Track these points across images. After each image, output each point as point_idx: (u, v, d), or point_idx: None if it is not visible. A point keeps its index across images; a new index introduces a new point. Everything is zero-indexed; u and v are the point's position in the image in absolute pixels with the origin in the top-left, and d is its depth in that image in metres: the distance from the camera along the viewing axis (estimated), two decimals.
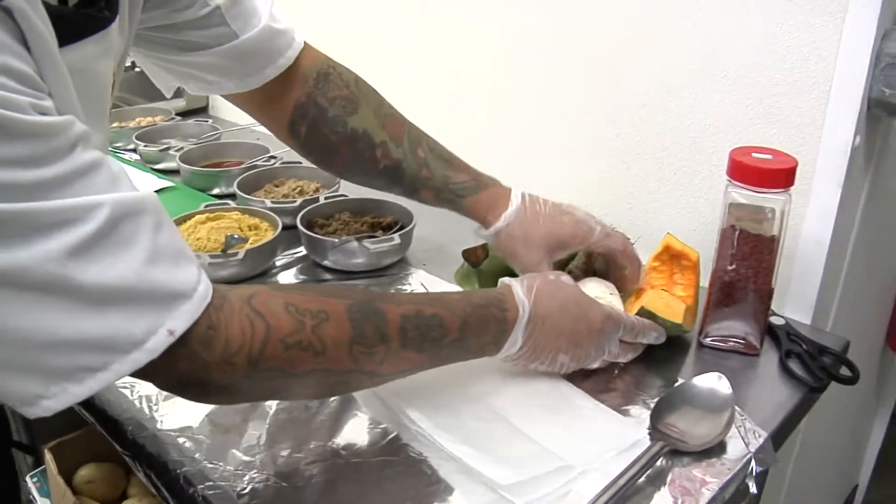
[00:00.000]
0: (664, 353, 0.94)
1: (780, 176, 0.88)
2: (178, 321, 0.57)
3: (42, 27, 0.54)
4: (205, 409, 0.83)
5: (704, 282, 1.00)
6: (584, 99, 1.19)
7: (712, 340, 0.96)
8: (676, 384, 0.87)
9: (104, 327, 0.53)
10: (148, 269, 0.55)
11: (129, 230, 0.55)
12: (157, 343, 0.56)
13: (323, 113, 0.94)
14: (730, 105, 1.04)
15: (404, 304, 0.72)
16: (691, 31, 1.05)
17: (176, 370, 0.59)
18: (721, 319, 0.95)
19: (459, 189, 0.96)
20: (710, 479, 0.75)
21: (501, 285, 0.84)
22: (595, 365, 0.88)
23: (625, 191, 1.18)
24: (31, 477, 1.49)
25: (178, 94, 1.89)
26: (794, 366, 0.93)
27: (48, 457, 1.36)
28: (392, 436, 0.79)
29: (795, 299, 1.05)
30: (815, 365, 0.92)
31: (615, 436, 0.80)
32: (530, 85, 1.26)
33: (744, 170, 0.89)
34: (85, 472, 1.38)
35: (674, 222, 1.12)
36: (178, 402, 0.83)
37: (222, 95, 0.96)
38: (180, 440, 0.79)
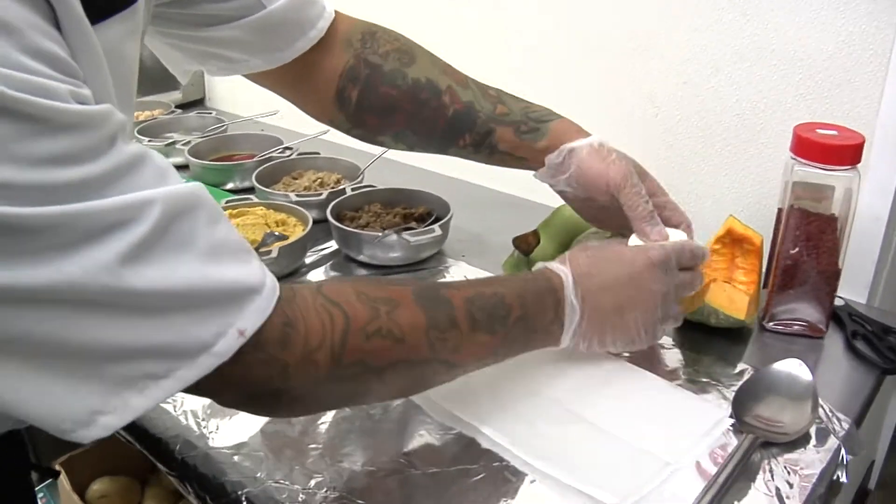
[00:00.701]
0: (726, 340, 0.91)
1: (848, 152, 0.85)
2: (249, 320, 0.52)
3: (75, 3, 0.48)
4: (258, 422, 0.78)
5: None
6: (621, 76, 1.15)
7: (776, 324, 0.93)
8: (754, 372, 0.84)
9: (168, 333, 0.49)
10: (210, 266, 0.50)
11: (186, 227, 0.49)
12: (228, 345, 0.51)
13: (377, 70, 0.88)
14: (779, 80, 1.01)
15: (463, 287, 0.69)
16: (739, 3, 1.01)
17: (250, 379, 0.55)
18: (785, 302, 0.92)
19: (542, 115, 0.89)
20: (804, 470, 0.72)
21: (536, 269, 0.79)
22: (671, 320, 0.81)
23: (665, 172, 1.13)
24: (37, 492, 1.43)
25: (174, 86, 1.84)
26: (862, 347, 0.90)
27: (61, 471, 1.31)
28: (466, 441, 0.75)
29: (850, 278, 1.01)
30: (882, 345, 0.90)
31: (697, 419, 0.77)
32: (564, 62, 1.21)
33: (810, 146, 0.86)
34: (98, 487, 1.33)
35: (719, 204, 1.09)
36: (229, 416, 0.79)
37: (246, 76, 0.89)
38: (236, 458, 0.74)
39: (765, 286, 0.95)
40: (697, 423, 0.76)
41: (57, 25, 0.47)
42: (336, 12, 0.88)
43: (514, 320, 0.70)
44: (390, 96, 0.88)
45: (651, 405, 0.80)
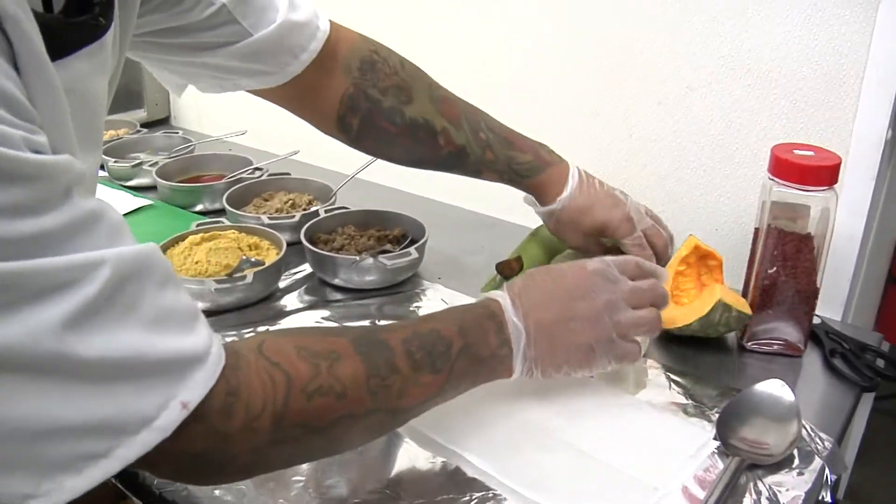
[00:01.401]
0: (707, 359, 0.91)
1: (825, 173, 0.86)
2: (193, 391, 0.50)
3: (35, 38, 0.46)
4: None
5: (734, 283, 0.98)
6: (596, 96, 1.15)
7: (755, 344, 0.93)
8: (737, 394, 0.83)
9: (109, 406, 0.46)
10: (155, 335, 0.48)
11: (133, 291, 0.47)
12: (170, 419, 0.48)
13: (377, 105, 0.89)
14: (755, 101, 1.01)
15: (399, 329, 0.67)
16: (711, 25, 1.02)
17: (190, 451, 0.52)
18: (764, 322, 0.92)
19: (523, 170, 0.95)
20: (791, 492, 0.72)
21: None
22: (630, 333, 0.77)
23: (639, 192, 1.14)
24: None
25: (139, 104, 1.81)
26: (840, 365, 0.91)
27: None
28: (452, 469, 0.74)
29: (826, 296, 1.02)
30: (860, 363, 0.90)
31: (682, 443, 0.77)
32: (539, 81, 1.21)
33: (787, 167, 0.86)
34: None
35: (694, 223, 1.09)
36: None
37: (250, 91, 0.88)
38: (217, 492, 0.71)
39: None
40: (682, 447, 0.76)
41: (14, 64, 0.45)
42: (334, 27, 0.88)
43: (457, 353, 0.68)
44: (389, 132, 0.91)
45: (636, 429, 0.79)
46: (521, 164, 0.94)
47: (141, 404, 0.47)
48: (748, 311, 0.90)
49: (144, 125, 1.74)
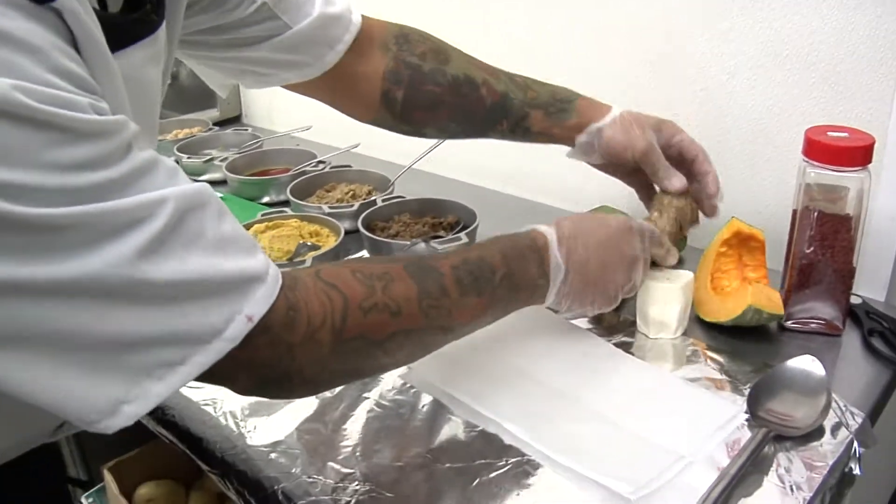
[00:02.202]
0: (747, 340, 0.94)
1: (858, 153, 0.87)
2: (257, 306, 0.56)
3: (95, 30, 0.53)
4: (294, 421, 0.83)
5: (774, 264, 1.00)
6: (639, 84, 1.18)
7: (794, 323, 0.95)
8: (768, 369, 0.86)
9: (182, 322, 0.52)
10: (219, 258, 0.54)
11: (196, 222, 0.53)
12: (237, 330, 0.54)
13: (418, 70, 0.95)
14: (794, 85, 1.03)
15: (450, 256, 0.74)
16: (751, 11, 1.04)
17: (259, 361, 0.58)
18: (802, 301, 0.94)
19: (567, 96, 0.99)
20: (816, 462, 0.74)
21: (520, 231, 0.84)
22: (634, 279, 0.88)
23: None
24: (87, 498, 1.48)
25: (212, 104, 1.90)
26: (879, 344, 0.92)
27: (108, 477, 1.35)
28: (490, 438, 0.79)
29: (868, 277, 1.03)
30: None
31: (712, 413, 0.80)
32: (580, 70, 1.24)
33: (821, 149, 0.88)
34: (144, 491, 1.37)
35: (738, 207, 1.11)
36: (266, 416, 0.84)
37: (286, 87, 0.95)
38: (273, 455, 0.79)
39: (781, 286, 0.97)
40: (712, 418, 0.79)
41: (76, 48, 0.52)
42: (364, 17, 0.94)
43: (500, 279, 0.75)
44: (434, 93, 0.95)
45: (667, 401, 0.83)
46: (563, 93, 0.99)
47: (210, 318, 0.53)
48: (780, 311, 0.91)
49: (217, 123, 1.83)
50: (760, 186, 1.10)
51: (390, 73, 0.94)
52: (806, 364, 0.83)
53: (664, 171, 0.97)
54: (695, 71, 1.11)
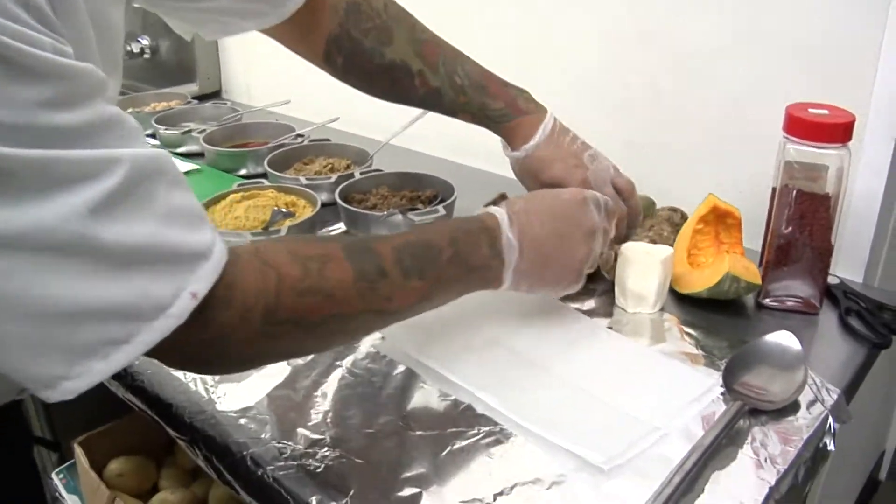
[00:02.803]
0: (723, 316, 0.93)
1: (838, 130, 0.87)
2: (201, 283, 0.54)
3: None
4: (265, 388, 0.82)
5: (752, 243, 1.00)
6: (624, 63, 1.17)
7: (771, 301, 0.95)
8: (745, 344, 0.86)
9: (129, 292, 0.50)
10: (167, 228, 0.52)
11: (148, 188, 0.51)
12: (183, 307, 0.53)
13: (358, 45, 0.94)
14: (774, 63, 1.03)
15: (392, 238, 0.72)
16: None
17: (193, 339, 0.56)
18: (780, 279, 0.94)
19: (495, 116, 0.97)
20: (791, 436, 0.74)
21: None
22: (595, 252, 0.85)
23: (665, 157, 1.16)
24: (58, 473, 1.46)
25: (191, 79, 1.88)
26: (855, 323, 0.92)
27: (78, 451, 1.33)
28: (463, 406, 0.78)
29: (846, 257, 1.03)
30: (875, 321, 0.92)
31: (687, 386, 0.80)
32: (563, 46, 1.24)
33: (801, 125, 0.88)
34: (115, 466, 1.35)
35: (717, 186, 1.10)
36: (236, 382, 0.82)
37: (261, 31, 0.94)
38: (242, 421, 0.77)
39: (759, 264, 0.97)
40: (687, 391, 0.79)
41: None
42: None
43: (447, 260, 0.73)
44: (368, 71, 0.95)
45: (642, 373, 0.82)
46: (494, 111, 0.96)
47: (157, 292, 0.51)
48: (758, 280, 0.91)
49: (196, 98, 1.81)
50: (738, 164, 1.09)
51: (333, 39, 0.94)
52: (783, 339, 0.83)
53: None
54: (678, 46, 1.10)
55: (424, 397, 0.79)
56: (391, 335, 0.82)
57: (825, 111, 0.89)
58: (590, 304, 0.96)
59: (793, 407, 0.78)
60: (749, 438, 0.74)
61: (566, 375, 0.81)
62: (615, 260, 0.95)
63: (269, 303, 0.60)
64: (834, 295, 0.96)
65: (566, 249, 0.82)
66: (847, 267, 1.03)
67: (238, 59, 1.87)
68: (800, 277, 0.94)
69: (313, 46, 0.95)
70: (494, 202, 1.01)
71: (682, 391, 0.79)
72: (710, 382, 0.80)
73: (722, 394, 0.79)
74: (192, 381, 0.83)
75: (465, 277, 0.76)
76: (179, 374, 0.84)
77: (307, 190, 1.17)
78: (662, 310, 0.94)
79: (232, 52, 1.87)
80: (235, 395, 0.81)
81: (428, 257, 0.72)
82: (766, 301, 0.95)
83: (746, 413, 0.76)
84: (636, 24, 1.15)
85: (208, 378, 0.83)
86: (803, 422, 0.76)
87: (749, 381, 0.79)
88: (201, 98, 1.85)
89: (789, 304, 0.95)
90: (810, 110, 0.89)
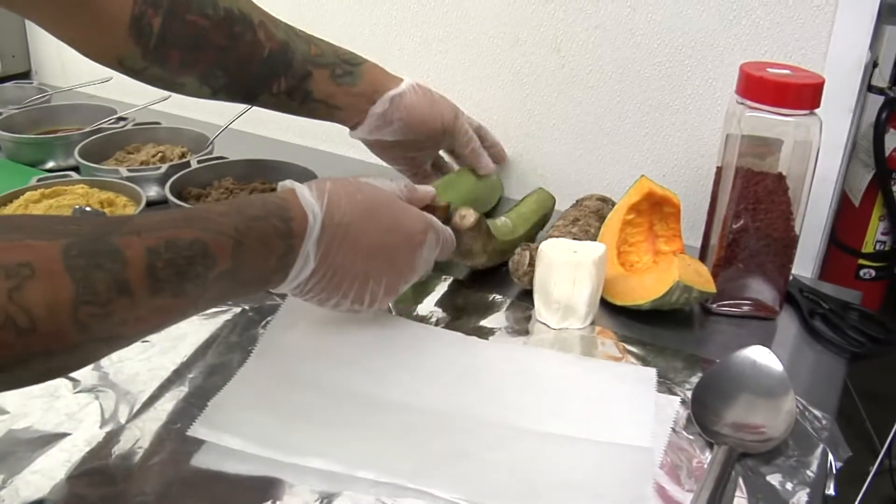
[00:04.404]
0: (667, 328, 0.75)
1: (808, 92, 0.71)
2: None
3: None
4: (63, 468, 0.57)
5: (688, 237, 0.83)
6: (520, 22, 0.97)
7: (720, 306, 0.78)
8: (708, 366, 0.68)
9: None
10: None
11: None
12: None
13: None
14: (710, 20, 0.85)
15: (150, 230, 0.49)
16: None
17: None
18: (731, 279, 0.77)
19: (352, 58, 0.83)
20: (793, 486, 0.56)
21: (282, 189, 0.61)
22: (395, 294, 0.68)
23: (575, 132, 0.97)
24: None
25: None
26: (823, 328, 0.76)
27: None
28: None
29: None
30: (845, 325, 0.76)
31: (631, 383, 0.65)
32: (456, 6, 1.02)
33: (762, 87, 0.71)
34: None
35: (640, 167, 0.93)
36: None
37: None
38: None
39: (701, 260, 0.80)
40: (636, 390, 0.64)
41: None
42: None
43: (218, 276, 0.52)
44: (200, 27, 0.74)
45: (587, 386, 0.65)
46: (346, 54, 0.83)
47: None
48: (712, 288, 0.74)
49: (0, 81, 1.49)
50: (667, 142, 0.92)
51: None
52: (757, 356, 0.65)
53: (479, 148, 0.92)
54: (590, 5, 0.91)
55: None
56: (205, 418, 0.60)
57: (787, 71, 0.73)
58: (497, 320, 0.75)
59: (783, 444, 0.60)
60: (744, 491, 0.55)
61: (509, 421, 0.60)
62: (530, 262, 0.75)
63: None
64: (789, 294, 0.80)
65: (369, 285, 0.64)
66: (796, 261, 0.86)
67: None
68: (756, 276, 0.77)
69: (114, 12, 0.70)
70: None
71: (631, 393, 0.63)
72: (648, 374, 0.66)
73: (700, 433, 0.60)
74: None
75: (232, 292, 0.56)
76: None
77: (128, 184, 0.91)
78: (593, 323, 0.75)
79: None
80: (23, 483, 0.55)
81: (195, 272, 0.50)
82: (716, 306, 0.78)
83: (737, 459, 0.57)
84: None
85: None
86: (800, 465, 0.59)
87: (731, 417, 0.60)
88: (5, 80, 1.53)
89: (744, 308, 0.78)
90: (770, 70, 0.72)
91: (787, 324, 0.78)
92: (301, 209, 0.58)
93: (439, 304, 0.77)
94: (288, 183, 0.62)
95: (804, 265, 0.87)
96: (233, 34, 0.75)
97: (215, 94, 0.80)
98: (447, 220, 0.73)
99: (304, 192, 0.60)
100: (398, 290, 0.67)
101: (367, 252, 0.62)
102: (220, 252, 0.52)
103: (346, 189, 0.62)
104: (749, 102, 0.72)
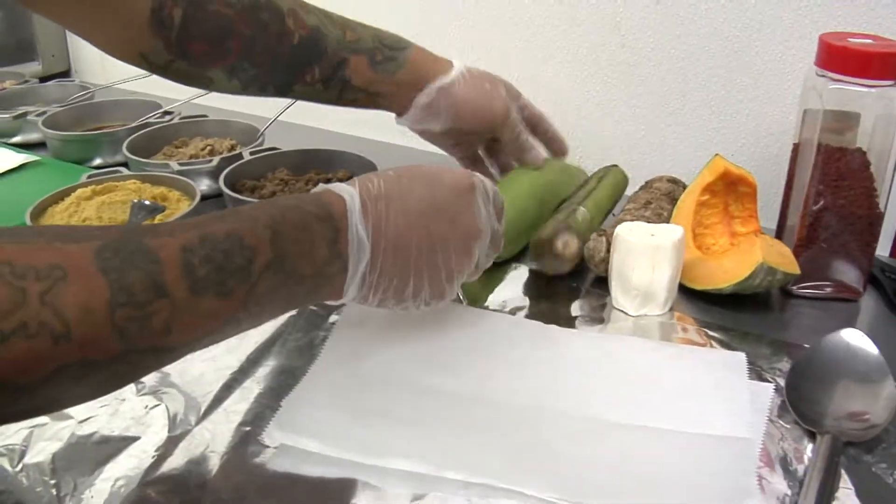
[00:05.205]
0: (747, 312, 0.72)
1: (894, 61, 0.67)
2: None
3: None
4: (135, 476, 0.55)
5: (764, 218, 0.80)
6: (575, 1, 0.94)
7: (802, 288, 0.74)
8: (803, 352, 0.65)
9: None
10: None
11: None
12: None
13: None
14: None
15: (183, 230, 0.46)
16: None
17: None
18: (815, 260, 0.74)
19: (395, 42, 0.78)
20: None
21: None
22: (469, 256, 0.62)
23: (638, 112, 0.94)
24: None
25: (32, 58, 1.56)
26: None
27: None
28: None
29: None
30: None
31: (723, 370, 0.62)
32: None
33: (845, 56, 0.68)
34: None
35: (704, 148, 0.90)
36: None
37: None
38: None
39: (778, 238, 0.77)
40: (731, 377, 0.61)
41: None
42: None
43: (263, 267, 0.48)
44: (224, 17, 0.71)
45: (677, 375, 0.61)
46: (389, 38, 0.78)
47: None
48: (795, 269, 0.71)
49: (42, 79, 1.49)
50: (736, 121, 0.88)
51: None
52: (851, 339, 0.62)
53: (528, 140, 0.84)
54: None
55: None
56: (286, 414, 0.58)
57: (869, 41, 0.69)
58: (572, 309, 0.73)
59: (883, 432, 0.57)
60: (849, 483, 0.52)
61: (596, 413, 0.57)
62: (608, 248, 0.72)
63: None
64: (872, 275, 0.77)
65: (437, 256, 0.59)
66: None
67: None
68: (839, 256, 0.74)
69: (132, 10, 0.68)
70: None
71: (722, 380, 0.60)
72: (738, 360, 0.63)
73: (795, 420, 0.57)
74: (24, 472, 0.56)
75: (288, 292, 0.51)
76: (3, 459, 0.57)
77: (181, 178, 0.90)
78: (671, 309, 0.72)
79: None
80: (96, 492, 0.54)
81: (234, 263, 0.47)
82: (797, 288, 0.74)
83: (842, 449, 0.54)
84: None
85: (46, 465, 0.56)
86: None
87: (831, 405, 0.57)
88: (47, 80, 1.53)
89: (826, 290, 0.74)
90: (851, 40, 0.69)
91: (871, 305, 0.75)
92: (334, 194, 0.55)
93: (511, 293, 0.75)
94: (320, 186, 0.58)
95: (884, 244, 0.84)
96: (260, 22, 0.72)
97: (245, 89, 0.77)
98: (549, 244, 0.72)
99: (333, 185, 0.56)
100: (472, 252, 0.61)
101: (419, 211, 0.57)
102: (257, 242, 0.48)
103: (376, 174, 0.59)
104: (831, 74, 0.68)
